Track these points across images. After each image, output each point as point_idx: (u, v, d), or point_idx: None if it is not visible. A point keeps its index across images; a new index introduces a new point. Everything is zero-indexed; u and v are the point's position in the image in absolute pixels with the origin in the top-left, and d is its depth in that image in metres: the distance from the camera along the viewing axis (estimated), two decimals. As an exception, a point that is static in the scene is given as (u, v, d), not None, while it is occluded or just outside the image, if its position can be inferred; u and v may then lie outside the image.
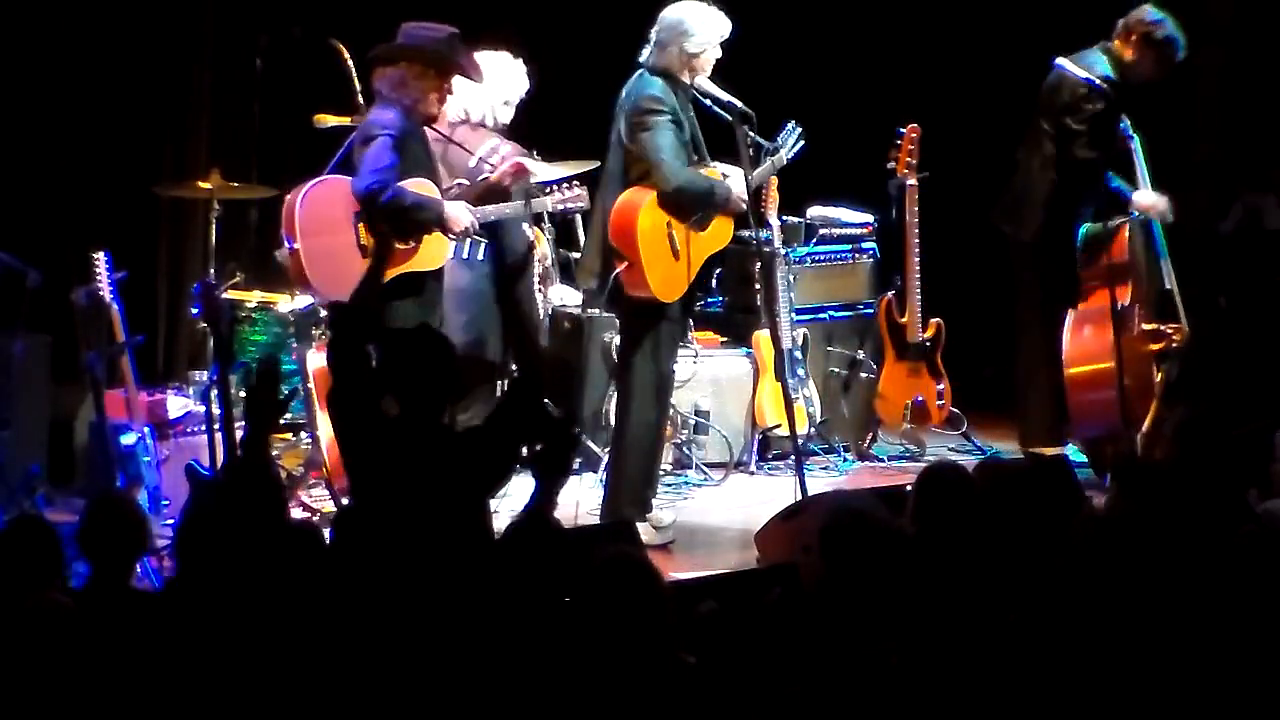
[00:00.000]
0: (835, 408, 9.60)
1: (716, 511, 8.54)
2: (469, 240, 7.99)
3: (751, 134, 7.76)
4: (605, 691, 4.38)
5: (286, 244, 7.37)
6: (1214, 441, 5.50)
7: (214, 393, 6.75)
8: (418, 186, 7.39)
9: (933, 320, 9.46)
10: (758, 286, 9.30)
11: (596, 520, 7.76)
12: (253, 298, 8.70)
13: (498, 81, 7.79)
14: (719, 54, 7.79)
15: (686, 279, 7.71)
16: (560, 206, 7.69)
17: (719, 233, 7.85)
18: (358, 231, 7.36)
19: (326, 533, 5.64)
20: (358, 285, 7.04)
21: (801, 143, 8.05)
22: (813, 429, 9.29)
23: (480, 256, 8.27)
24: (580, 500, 7.94)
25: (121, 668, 4.58)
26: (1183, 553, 4.92)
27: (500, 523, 5.71)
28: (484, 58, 7.84)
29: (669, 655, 4.44)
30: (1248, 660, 4.60)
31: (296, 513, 7.93)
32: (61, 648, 4.46)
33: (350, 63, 8.35)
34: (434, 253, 7.54)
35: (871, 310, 9.64)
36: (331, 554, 5.18)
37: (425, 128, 7.56)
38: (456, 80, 7.62)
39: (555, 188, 7.84)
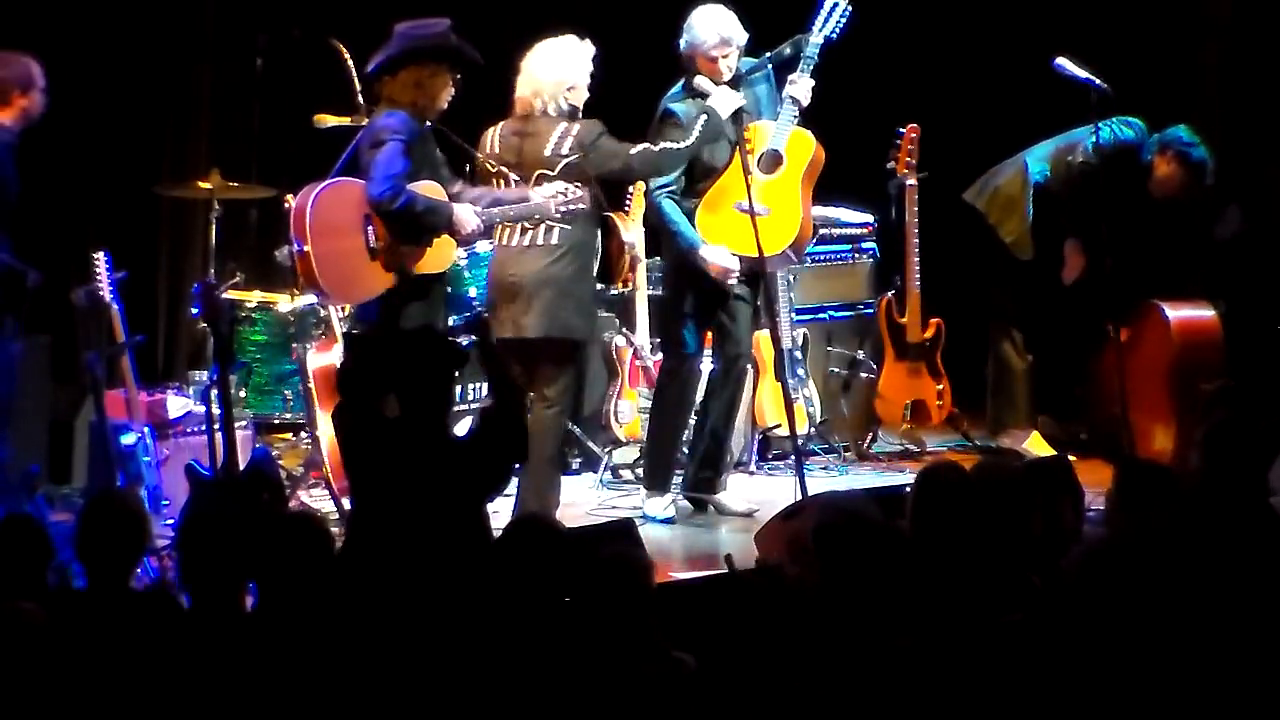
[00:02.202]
0: (835, 408, 9.59)
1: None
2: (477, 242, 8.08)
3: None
4: (597, 691, 4.38)
5: (296, 246, 7.35)
6: (1242, 448, 5.48)
7: (214, 393, 6.74)
8: (426, 190, 7.39)
9: (933, 320, 9.46)
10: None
11: (596, 520, 7.79)
12: (253, 298, 8.70)
13: (559, 69, 7.75)
14: (720, 56, 7.91)
15: (793, 219, 7.98)
16: (563, 209, 7.68)
17: (798, 149, 8.03)
18: (368, 235, 7.36)
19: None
20: (381, 312, 7.13)
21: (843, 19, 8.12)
22: (813, 429, 9.29)
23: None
24: (580, 500, 7.99)
25: (120, 670, 4.58)
26: (1191, 553, 4.92)
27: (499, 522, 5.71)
28: (547, 45, 7.82)
29: (662, 654, 4.45)
30: (1254, 663, 4.60)
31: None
32: (29, 656, 4.44)
33: (350, 63, 8.34)
34: (442, 256, 7.56)
35: (871, 310, 9.64)
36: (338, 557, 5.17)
37: (436, 126, 7.55)
38: (529, 74, 7.67)
39: (558, 191, 7.81)
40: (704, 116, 7.75)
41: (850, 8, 8.12)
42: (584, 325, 7.69)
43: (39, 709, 4.39)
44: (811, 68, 8.05)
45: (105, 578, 5.00)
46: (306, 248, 7.30)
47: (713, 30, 7.95)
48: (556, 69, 7.68)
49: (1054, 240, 9.05)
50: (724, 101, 7.82)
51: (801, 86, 8.04)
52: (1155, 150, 8.87)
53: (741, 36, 8.01)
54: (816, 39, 8.05)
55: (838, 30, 8.10)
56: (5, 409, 7.63)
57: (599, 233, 7.75)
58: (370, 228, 7.35)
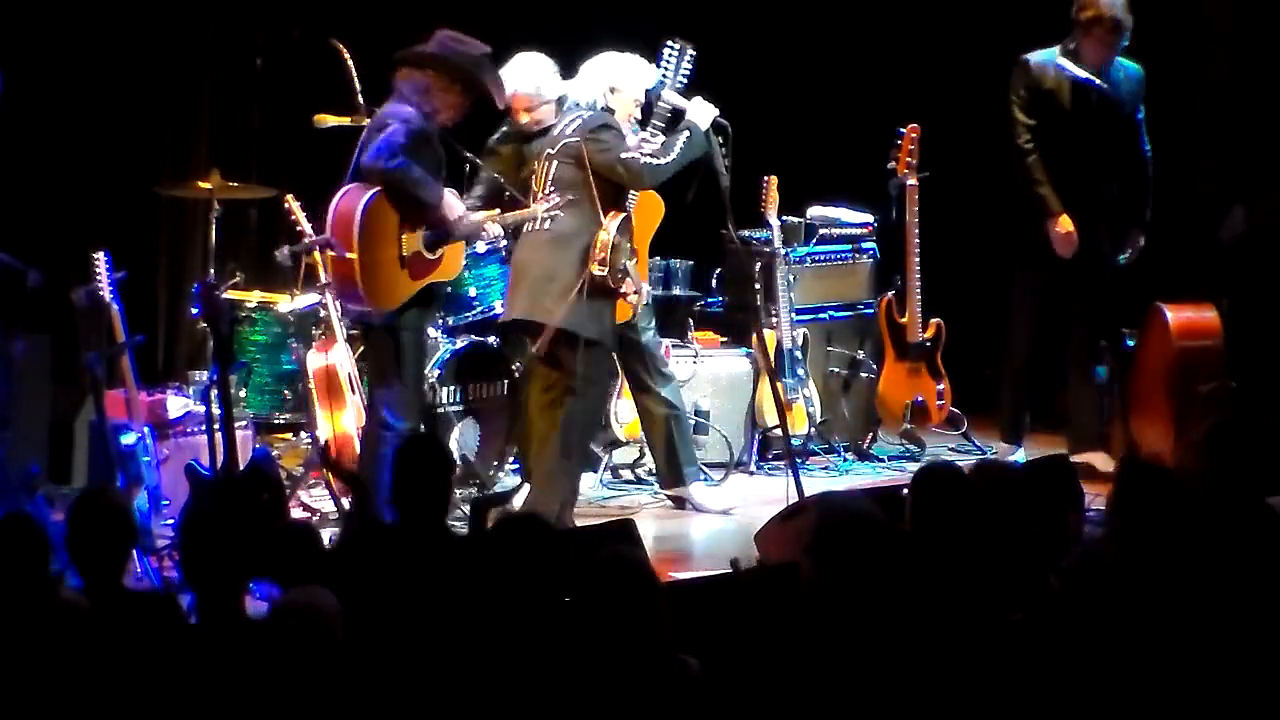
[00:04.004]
0: (835, 408, 9.60)
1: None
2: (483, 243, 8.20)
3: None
4: (602, 693, 4.38)
5: (337, 251, 7.28)
6: (1245, 447, 5.46)
7: (214, 393, 6.75)
8: None
9: (933, 320, 9.46)
10: (758, 286, 9.32)
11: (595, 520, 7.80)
12: (253, 298, 8.69)
13: (606, 70, 7.81)
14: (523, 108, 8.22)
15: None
16: (550, 214, 7.71)
17: (646, 208, 8.10)
18: (401, 243, 7.38)
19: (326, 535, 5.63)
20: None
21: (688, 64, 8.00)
22: (813, 429, 9.29)
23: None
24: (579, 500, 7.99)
25: (117, 668, 4.58)
26: (1191, 555, 4.92)
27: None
28: (605, 54, 7.89)
29: (667, 656, 4.44)
30: (1254, 664, 4.60)
31: (296, 513, 7.93)
32: (73, 647, 4.46)
33: (350, 63, 8.34)
34: (455, 261, 7.65)
35: (871, 310, 9.64)
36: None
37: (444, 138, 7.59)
38: (579, 76, 7.77)
39: (541, 195, 7.84)
40: (685, 134, 7.70)
41: (692, 51, 7.94)
42: (567, 314, 7.59)
43: (78, 697, 4.40)
44: (665, 123, 7.88)
45: (97, 576, 4.99)
46: (350, 255, 7.27)
47: (528, 80, 8.15)
48: (603, 69, 7.81)
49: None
50: (701, 113, 7.77)
51: (648, 147, 7.87)
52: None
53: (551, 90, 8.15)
54: (669, 95, 7.84)
55: (687, 77, 7.92)
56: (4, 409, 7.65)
57: (595, 225, 7.66)
58: (402, 236, 7.37)
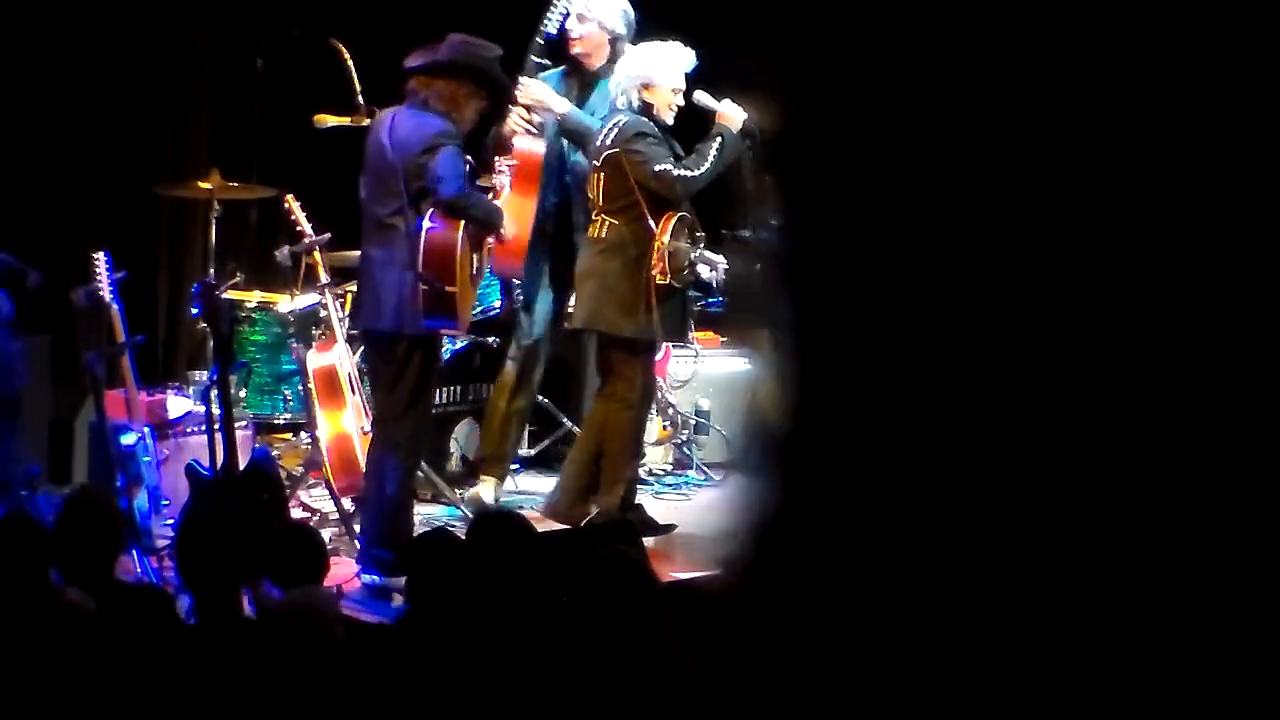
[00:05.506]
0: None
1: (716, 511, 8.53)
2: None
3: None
4: (602, 692, 4.38)
5: (434, 285, 7.13)
6: None
7: (214, 393, 6.74)
8: None
9: (933, 320, 9.45)
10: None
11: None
12: (253, 298, 8.70)
13: (637, 64, 7.75)
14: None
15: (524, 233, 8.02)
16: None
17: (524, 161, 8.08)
18: (472, 263, 7.39)
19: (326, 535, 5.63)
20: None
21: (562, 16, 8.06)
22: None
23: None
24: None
25: (114, 667, 4.58)
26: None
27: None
28: (639, 45, 7.87)
29: (667, 656, 4.44)
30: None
31: (296, 513, 7.93)
32: (80, 646, 4.46)
33: (350, 63, 8.34)
34: (482, 264, 7.71)
35: (871, 310, 9.63)
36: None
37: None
38: (617, 70, 7.77)
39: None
40: (718, 139, 7.66)
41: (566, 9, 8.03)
42: (629, 322, 7.58)
43: (85, 699, 4.40)
44: (534, 70, 7.95)
45: (85, 575, 5.00)
46: (452, 289, 7.16)
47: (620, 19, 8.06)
48: (635, 64, 7.74)
49: None
50: (732, 116, 7.71)
51: (524, 91, 7.91)
52: None
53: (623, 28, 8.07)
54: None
55: (558, 27, 8.00)
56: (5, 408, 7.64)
57: (649, 232, 7.61)
58: (474, 255, 7.38)
